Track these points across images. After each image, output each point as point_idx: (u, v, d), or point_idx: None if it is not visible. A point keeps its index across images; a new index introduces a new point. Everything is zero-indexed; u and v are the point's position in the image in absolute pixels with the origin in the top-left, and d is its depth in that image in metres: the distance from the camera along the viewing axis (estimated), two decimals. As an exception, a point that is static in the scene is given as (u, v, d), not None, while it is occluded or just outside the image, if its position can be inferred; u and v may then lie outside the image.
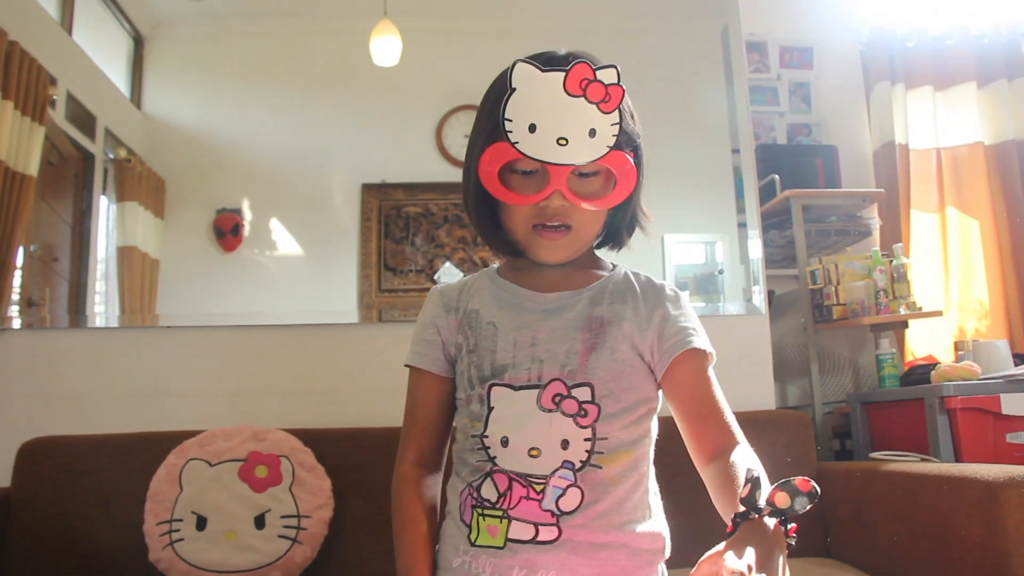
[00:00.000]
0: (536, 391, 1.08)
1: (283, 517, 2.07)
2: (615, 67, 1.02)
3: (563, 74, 1.00)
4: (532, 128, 1.01)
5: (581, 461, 1.06)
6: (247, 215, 2.86)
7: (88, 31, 2.91)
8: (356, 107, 2.88)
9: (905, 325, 3.16)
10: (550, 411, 1.07)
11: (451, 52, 2.98)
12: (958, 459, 2.45)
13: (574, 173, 1.06)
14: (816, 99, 3.82)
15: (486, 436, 1.10)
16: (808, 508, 0.84)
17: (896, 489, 2.08)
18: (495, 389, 1.11)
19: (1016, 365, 2.73)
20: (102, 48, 2.95)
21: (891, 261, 3.02)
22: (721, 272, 2.85)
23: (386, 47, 2.88)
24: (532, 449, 1.07)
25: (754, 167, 2.86)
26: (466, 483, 1.12)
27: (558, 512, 1.05)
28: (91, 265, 2.79)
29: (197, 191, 2.90)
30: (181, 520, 2.06)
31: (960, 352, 2.98)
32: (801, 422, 2.50)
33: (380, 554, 2.17)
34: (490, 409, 1.10)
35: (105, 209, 2.85)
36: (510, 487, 1.05)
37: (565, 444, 1.06)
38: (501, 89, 1.04)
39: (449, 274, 2.67)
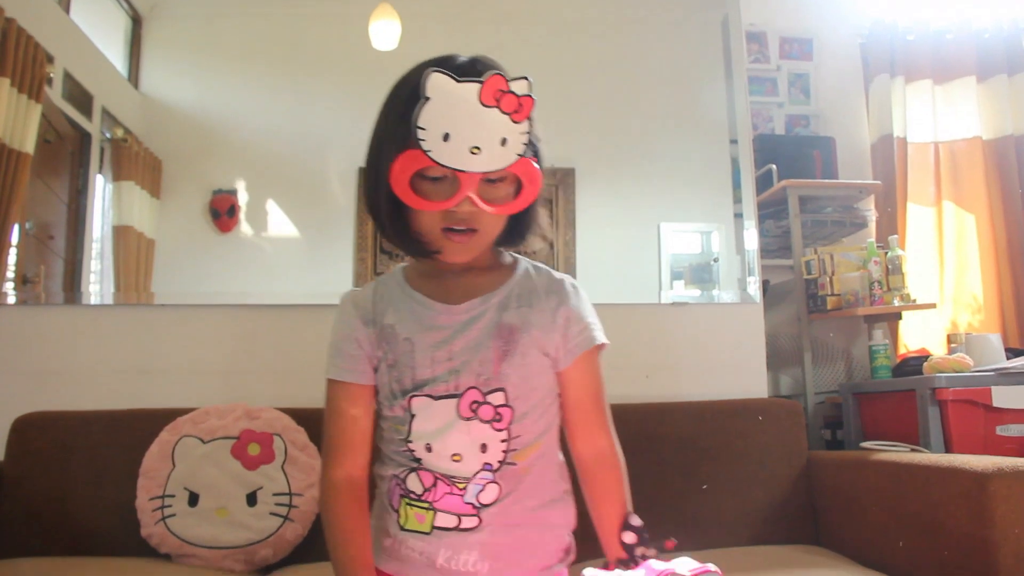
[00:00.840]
0: (455, 400, 1.14)
1: (275, 495, 2.07)
2: (527, 78, 1.04)
3: (478, 86, 1.02)
4: (446, 137, 1.02)
5: (499, 461, 1.14)
6: (243, 197, 2.86)
7: (86, 10, 2.90)
8: (354, 90, 2.87)
9: (899, 317, 3.17)
10: (468, 419, 1.13)
11: (450, 37, 2.97)
12: (948, 451, 2.46)
13: (483, 180, 1.08)
14: (815, 91, 3.83)
15: (410, 442, 1.16)
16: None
17: (886, 478, 2.09)
18: (415, 399, 1.16)
19: (1008, 359, 2.73)
20: (100, 27, 2.94)
21: (886, 253, 3.03)
22: (716, 260, 2.85)
23: (385, 31, 2.88)
24: (455, 455, 1.14)
25: (751, 156, 2.87)
26: (392, 472, 1.19)
27: (478, 505, 1.14)
28: (86, 244, 2.79)
29: (193, 172, 2.89)
30: (173, 496, 2.07)
31: (953, 345, 2.99)
32: (793, 411, 2.51)
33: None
34: (412, 416, 1.16)
35: (101, 188, 2.84)
36: (435, 484, 1.14)
37: (484, 448, 1.14)
38: (411, 96, 1.05)
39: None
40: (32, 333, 2.49)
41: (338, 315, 1.24)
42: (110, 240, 2.80)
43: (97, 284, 2.77)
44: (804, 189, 3.17)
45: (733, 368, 2.68)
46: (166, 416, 2.21)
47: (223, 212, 2.84)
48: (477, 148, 1.03)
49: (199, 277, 2.77)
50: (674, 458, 2.34)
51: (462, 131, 1.02)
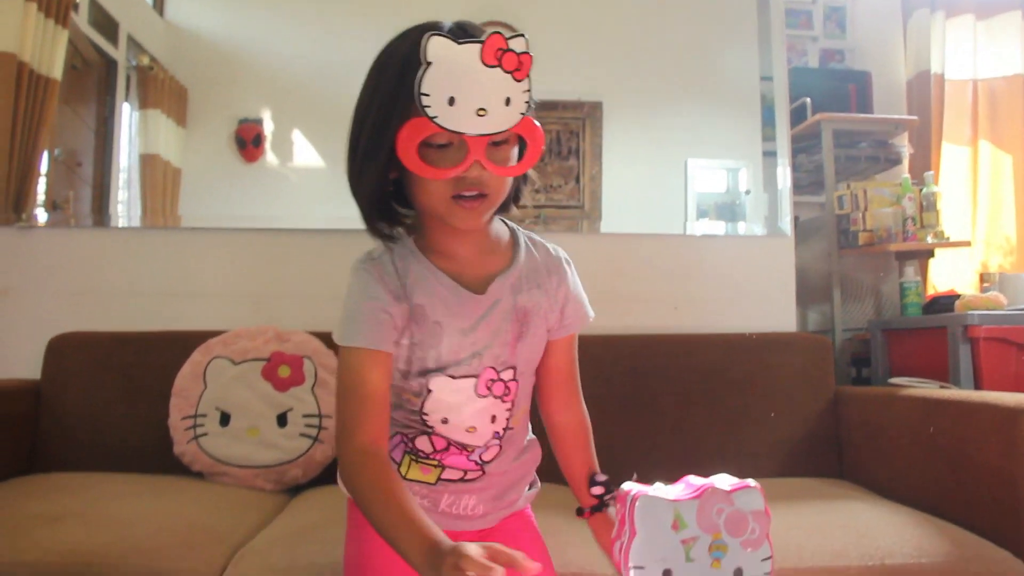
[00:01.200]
0: (473, 380, 1.18)
1: (305, 416, 2.10)
2: (524, 36, 1.02)
3: (479, 46, 1.00)
4: (451, 101, 1.00)
5: (503, 428, 1.23)
6: (269, 126, 2.84)
7: (111, -66, 2.87)
8: (381, 18, 2.81)
9: (931, 255, 3.13)
10: (484, 396, 1.19)
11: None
12: (978, 388, 2.44)
13: (489, 143, 1.07)
14: (851, 24, 3.74)
15: (425, 414, 1.20)
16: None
17: (915, 413, 2.09)
18: (435, 378, 1.18)
19: (1042, 298, 2.71)
20: (125, -48, 2.91)
21: (921, 189, 2.98)
22: (748, 192, 2.81)
23: (414, -44, 2.82)
24: (469, 428, 1.20)
25: (786, 88, 2.81)
26: (398, 430, 1.23)
27: (481, 462, 1.24)
28: (114, 171, 2.79)
29: (219, 101, 2.88)
30: (205, 416, 2.10)
31: (985, 284, 2.96)
32: (821, 345, 2.50)
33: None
34: (428, 391, 1.19)
35: (128, 116, 2.84)
36: (447, 448, 1.21)
37: (493, 419, 1.21)
38: (404, 65, 1.04)
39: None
40: (64, 256, 2.51)
41: (359, 283, 1.20)
42: (137, 168, 2.80)
43: (125, 211, 2.78)
44: (839, 123, 3.11)
45: (762, 302, 2.66)
46: (197, 338, 2.23)
47: (249, 142, 2.83)
48: (483, 110, 1.01)
49: (225, 206, 2.78)
50: (701, 390, 2.34)
51: (467, 93, 1.01)
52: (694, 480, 0.81)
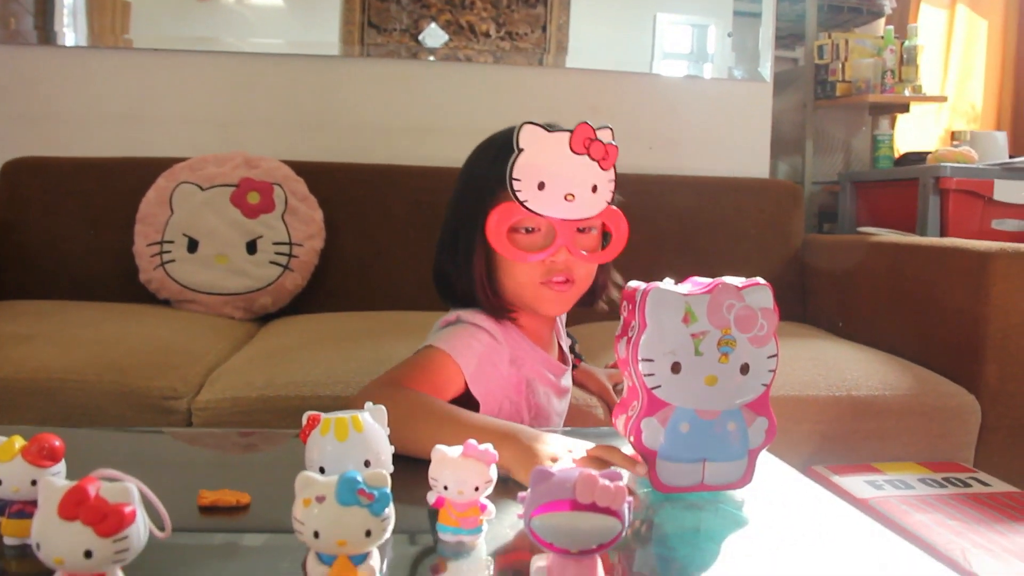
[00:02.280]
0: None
1: (275, 244, 2.06)
2: (610, 128, 1.06)
3: (568, 134, 1.03)
4: (541, 186, 1.03)
5: None
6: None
7: None
8: None
9: (906, 109, 3.11)
10: None
11: None
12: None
13: (576, 229, 1.09)
14: None
15: None
16: None
17: (883, 259, 2.12)
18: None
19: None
20: None
21: (903, 43, 2.93)
22: (731, 35, 2.73)
23: None
24: None
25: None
26: None
27: None
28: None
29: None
30: (172, 242, 2.05)
31: (955, 142, 2.96)
32: (792, 192, 2.52)
33: (368, 289, 2.20)
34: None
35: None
36: None
37: None
38: (497, 154, 1.07)
39: (434, 36, 2.54)
40: (11, 76, 2.38)
41: (472, 332, 1.14)
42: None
43: (71, 24, 2.57)
44: (824, -31, 3.01)
45: (736, 147, 2.65)
46: (162, 164, 2.16)
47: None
48: (571, 195, 1.04)
49: (180, 31, 2.60)
50: (671, 231, 2.35)
51: (556, 179, 1.03)
52: (701, 279, 0.81)
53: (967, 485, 1.49)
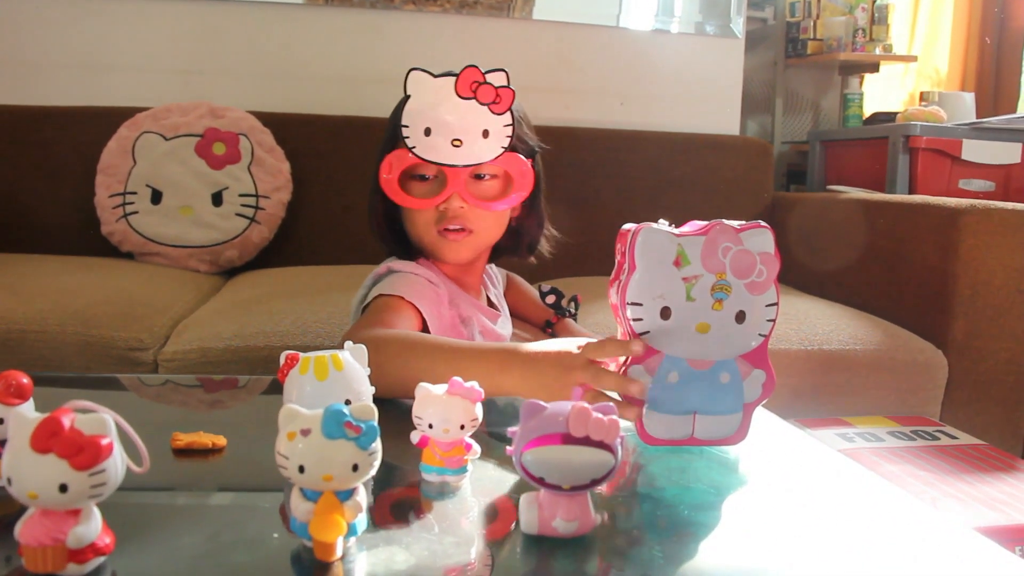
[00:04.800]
0: None
1: (241, 196, 2.02)
2: (504, 71, 1.04)
3: (454, 78, 1.02)
4: (427, 132, 1.03)
5: None
6: None
7: None
8: None
9: (875, 68, 3.11)
10: None
11: None
12: (911, 198, 2.50)
13: (472, 176, 1.08)
14: None
15: None
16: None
17: (853, 216, 2.13)
18: None
19: (976, 119, 2.74)
20: None
21: (874, 2, 2.93)
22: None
23: None
24: None
25: None
26: None
27: None
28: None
29: None
30: (135, 193, 2.00)
31: (924, 102, 2.98)
32: (762, 150, 2.52)
33: (336, 243, 2.16)
34: None
35: None
36: None
37: None
38: (401, 105, 1.06)
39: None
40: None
41: (412, 278, 1.11)
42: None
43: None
44: (796, -76, 2.99)
45: (707, 103, 2.63)
46: (124, 113, 2.09)
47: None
48: (458, 140, 1.03)
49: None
50: (641, 186, 2.34)
51: (442, 124, 1.03)
52: (699, 222, 0.78)
53: (935, 438, 1.51)
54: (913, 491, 1.25)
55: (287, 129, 2.15)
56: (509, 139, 1.05)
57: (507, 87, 1.03)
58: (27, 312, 1.44)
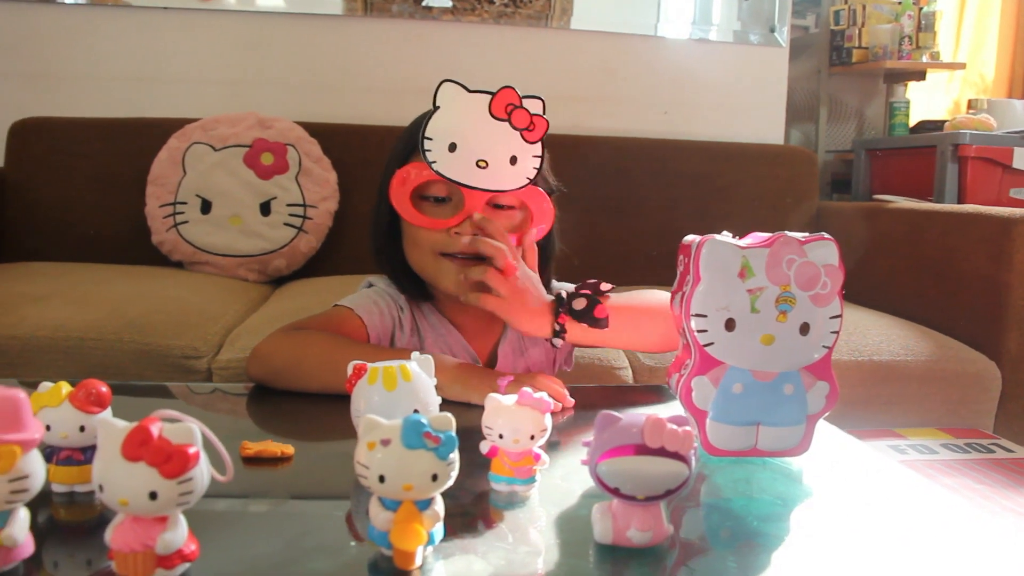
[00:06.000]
0: None
1: (289, 205, 2.04)
2: (541, 99, 0.97)
3: (489, 96, 0.95)
4: (452, 147, 0.95)
5: None
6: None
7: None
8: None
9: (922, 76, 3.07)
10: None
11: None
12: (960, 208, 2.47)
13: (490, 203, 1.00)
14: None
15: None
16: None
17: (901, 226, 2.11)
18: None
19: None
20: None
21: (921, 8, 2.90)
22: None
23: None
24: None
25: None
26: None
27: None
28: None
29: None
30: (185, 203, 2.03)
31: (972, 110, 2.94)
32: (807, 159, 2.50)
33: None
34: None
35: None
36: None
37: None
38: (423, 119, 0.98)
39: None
40: (17, 34, 2.33)
41: (380, 294, 1.11)
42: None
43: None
44: (840, -67, 2.97)
45: (751, 112, 2.62)
46: (173, 124, 2.13)
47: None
48: (484, 162, 0.96)
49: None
50: (687, 196, 2.34)
51: (469, 141, 0.95)
52: (761, 234, 0.78)
53: (990, 451, 1.49)
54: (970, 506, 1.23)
55: (333, 139, 2.17)
56: (536, 171, 0.98)
57: (542, 116, 0.97)
58: (84, 320, 1.47)
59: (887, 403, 1.63)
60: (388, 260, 1.10)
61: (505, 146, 0.97)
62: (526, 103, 0.96)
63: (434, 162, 0.95)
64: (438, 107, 0.95)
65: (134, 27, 2.36)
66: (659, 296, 1.03)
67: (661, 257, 2.28)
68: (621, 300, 1.01)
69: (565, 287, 1.07)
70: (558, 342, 0.98)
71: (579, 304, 0.97)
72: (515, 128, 0.96)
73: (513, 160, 0.97)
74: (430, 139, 0.95)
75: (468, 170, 0.96)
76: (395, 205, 1.00)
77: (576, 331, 0.97)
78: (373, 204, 1.12)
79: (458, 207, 1.00)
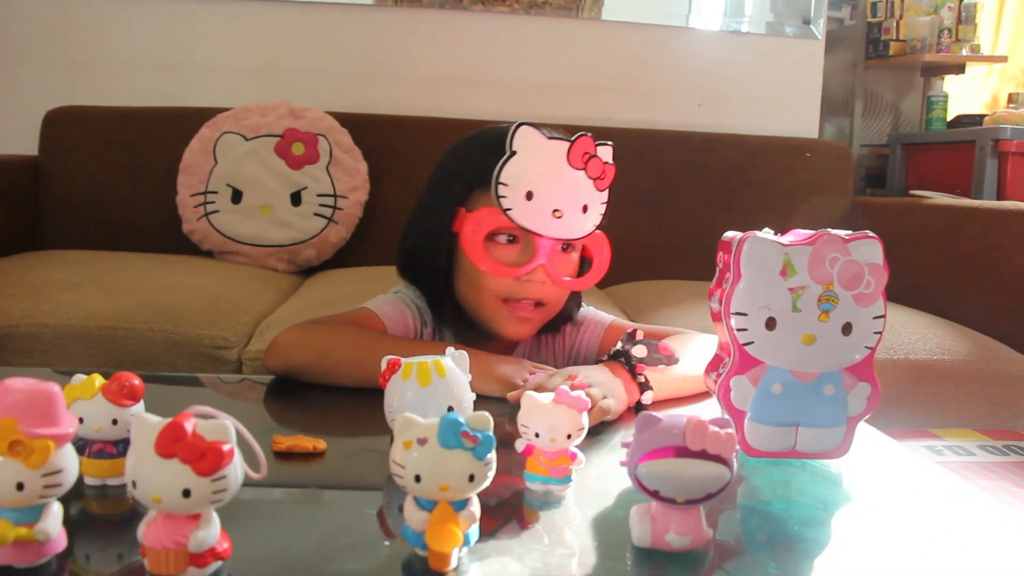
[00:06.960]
0: None
1: (319, 196, 2.04)
2: (611, 145, 0.97)
3: (568, 144, 0.93)
4: (529, 196, 0.93)
5: None
6: None
7: None
8: None
9: (961, 70, 3.01)
10: None
11: None
12: (1000, 203, 2.43)
13: (560, 249, 0.99)
14: None
15: None
16: (659, 365, 0.93)
17: (939, 222, 2.07)
18: None
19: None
20: None
21: (961, 0, 2.84)
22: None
23: None
24: None
25: None
26: None
27: None
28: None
29: None
30: (216, 192, 2.03)
31: (1012, 105, 2.88)
32: (842, 153, 2.46)
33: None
34: None
35: None
36: None
37: None
38: (492, 148, 0.94)
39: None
40: (49, 23, 2.35)
41: (405, 303, 1.10)
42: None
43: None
44: (879, -77, 2.92)
45: (786, 105, 2.58)
46: (205, 114, 2.13)
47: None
48: (560, 212, 0.94)
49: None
50: (722, 189, 2.31)
51: (547, 191, 0.94)
52: (803, 231, 0.76)
53: (1029, 453, 1.45)
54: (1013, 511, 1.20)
55: (364, 129, 2.16)
56: (602, 217, 0.98)
57: (612, 163, 0.96)
58: (116, 309, 1.47)
59: (923, 403, 1.60)
60: (428, 281, 1.09)
61: (579, 195, 0.96)
62: (600, 151, 0.96)
63: (510, 209, 0.93)
64: (515, 152, 0.92)
65: (166, 16, 2.37)
66: (694, 336, 1.05)
67: (694, 252, 2.27)
68: (671, 342, 0.99)
69: (593, 313, 1.12)
70: (649, 397, 0.92)
71: (640, 352, 0.93)
72: (589, 177, 0.96)
73: (584, 208, 0.97)
74: (506, 184, 0.93)
75: (544, 220, 0.95)
76: (467, 251, 0.97)
77: (657, 377, 0.94)
78: (406, 203, 1.10)
79: (527, 251, 0.98)
